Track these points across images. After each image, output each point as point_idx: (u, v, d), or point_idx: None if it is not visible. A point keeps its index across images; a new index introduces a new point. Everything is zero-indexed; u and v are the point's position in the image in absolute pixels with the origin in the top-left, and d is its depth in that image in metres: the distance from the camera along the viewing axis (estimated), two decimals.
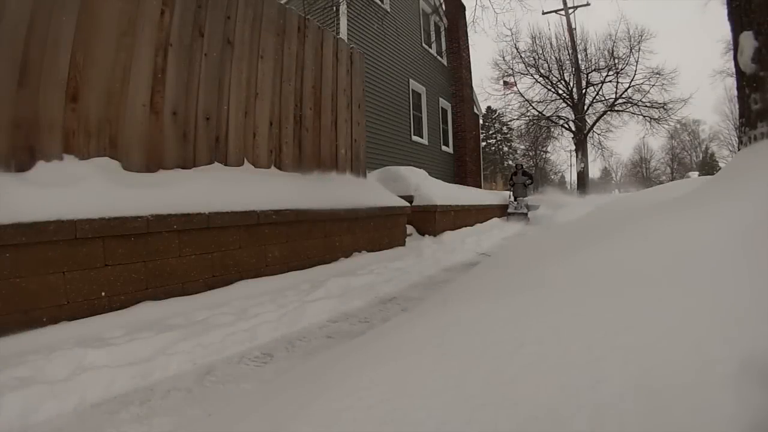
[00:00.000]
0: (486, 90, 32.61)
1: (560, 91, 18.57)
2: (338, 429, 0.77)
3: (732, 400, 0.60)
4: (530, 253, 1.95)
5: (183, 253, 2.63)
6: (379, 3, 9.51)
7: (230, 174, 3.25)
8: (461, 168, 13.39)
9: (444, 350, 0.93)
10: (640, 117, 17.85)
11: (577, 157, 18.69)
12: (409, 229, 6.03)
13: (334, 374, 1.08)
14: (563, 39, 18.09)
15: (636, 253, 1.23)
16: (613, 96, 17.87)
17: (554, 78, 18.46)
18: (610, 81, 17.84)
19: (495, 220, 9.71)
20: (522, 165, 11.83)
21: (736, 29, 1.80)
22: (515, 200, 10.64)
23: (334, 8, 8.03)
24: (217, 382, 1.66)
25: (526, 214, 10.21)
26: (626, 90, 17.67)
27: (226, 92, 3.36)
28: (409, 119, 10.74)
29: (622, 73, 17.55)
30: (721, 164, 32.33)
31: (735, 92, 1.91)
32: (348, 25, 8.35)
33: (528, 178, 11.08)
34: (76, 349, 1.72)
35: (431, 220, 6.48)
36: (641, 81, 17.33)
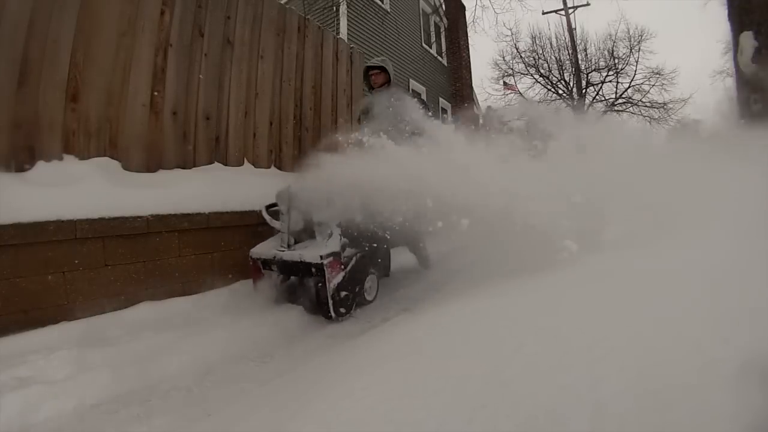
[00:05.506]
0: (486, 90, 32.54)
1: (560, 91, 18.57)
2: (339, 429, 0.77)
3: (732, 400, 0.60)
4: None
5: (183, 253, 2.63)
6: (379, 3, 9.51)
7: (230, 174, 3.24)
8: None
9: (444, 350, 0.93)
10: (640, 117, 17.86)
11: None
12: None
13: (335, 374, 1.08)
14: (563, 39, 18.08)
15: (635, 255, 1.23)
16: (613, 96, 17.87)
17: (554, 78, 18.46)
18: (610, 81, 17.85)
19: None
20: (379, 62, 3.20)
21: (736, 29, 1.81)
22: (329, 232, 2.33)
23: (334, 8, 8.02)
24: (217, 382, 1.66)
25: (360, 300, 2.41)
26: (626, 90, 17.68)
27: (226, 92, 3.36)
28: None
29: (622, 73, 17.55)
30: None
31: (735, 92, 1.91)
32: (348, 25, 8.34)
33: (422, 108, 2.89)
34: (76, 349, 1.72)
35: None
36: (641, 81, 17.34)
